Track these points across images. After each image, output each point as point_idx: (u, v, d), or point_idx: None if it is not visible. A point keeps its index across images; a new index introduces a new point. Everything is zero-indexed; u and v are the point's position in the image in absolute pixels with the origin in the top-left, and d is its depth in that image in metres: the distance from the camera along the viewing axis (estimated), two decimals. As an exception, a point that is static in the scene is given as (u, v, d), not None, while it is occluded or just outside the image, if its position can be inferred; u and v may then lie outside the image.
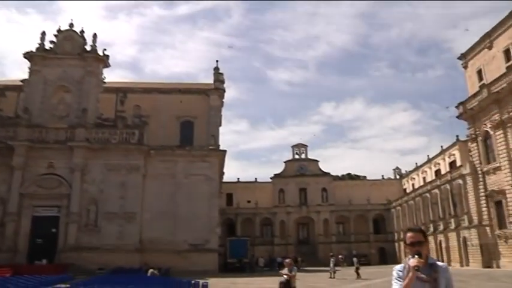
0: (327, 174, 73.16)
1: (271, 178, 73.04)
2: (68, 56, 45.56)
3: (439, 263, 3.46)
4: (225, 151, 48.95)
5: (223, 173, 58.16)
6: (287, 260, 13.04)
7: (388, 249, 64.72)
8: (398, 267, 3.50)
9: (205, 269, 39.38)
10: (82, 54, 45.73)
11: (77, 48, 46.02)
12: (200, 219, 43.60)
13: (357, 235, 68.22)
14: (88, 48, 46.36)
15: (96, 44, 46.57)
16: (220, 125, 53.50)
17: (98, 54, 46.18)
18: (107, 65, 47.42)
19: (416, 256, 3.33)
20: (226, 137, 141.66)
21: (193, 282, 18.76)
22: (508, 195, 35.89)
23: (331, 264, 32.76)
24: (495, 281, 23.27)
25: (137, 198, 42.24)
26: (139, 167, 43.13)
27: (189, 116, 50.90)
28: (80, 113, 43.91)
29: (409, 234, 3.51)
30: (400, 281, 3.35)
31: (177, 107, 50.35)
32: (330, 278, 31.43)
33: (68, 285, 17.38)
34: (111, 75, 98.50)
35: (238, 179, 74.71)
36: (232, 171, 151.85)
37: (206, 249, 43.09)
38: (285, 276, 12.24)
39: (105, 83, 47.55)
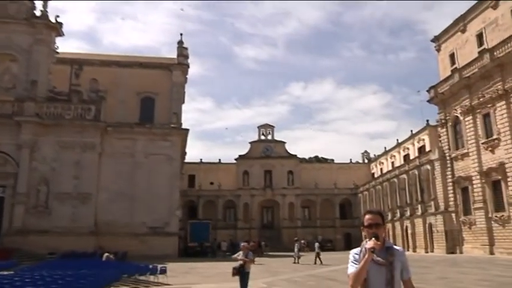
0: (294, 156, 73.98)
1: (235, 159, 73.21)
2: (13, 20, 43.22)
3: (396, 247, 3.55)
4: (187, 130, 48.46)
5: (185, 153, 57.71)
6: (243, 244, 12.92)
7: (354, 235, 66.66)
8: (355, 250, 3.57)
9: (165, 254, 39.26)
10: (30, 19, 43.38)
11: (23, 12, 43.69)
12: (160, 201, 43.23)
13: (323, 220, 69.74)
14: (38, 13, 44.20)
15: (48, 10, 44.41)
16: (183, 103, 52.73)
17: (50, 20, 44.02)
18: (60, 34, 45.40)
19: (373, 238, 3.39)
20: (189, 115, 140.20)
21: (151, 266, 18.65)
22: (474, 182, 37.49)
23: (296, 250, 33.35)
24: (457, 267, 24.44)
25: (93, 178, 41.30)
26: (95, 145, 42.06)
27: (150, 92, 49.86)
28: (28, 85, 41.96)
29: (367, 216, 3.57)
30: (356, 264, 3.41)
31: (138, 82, 49.16)
32: (294, 263, 32.03)
33: (11, 272, 16.72)
34: (65, 46, 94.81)
35: (201, 159, 74.57)
36: (195, 152, 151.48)
37: (166, 233, 42.90)
38: (240, 261, 12.12)
39: (58, 53, 45.56)
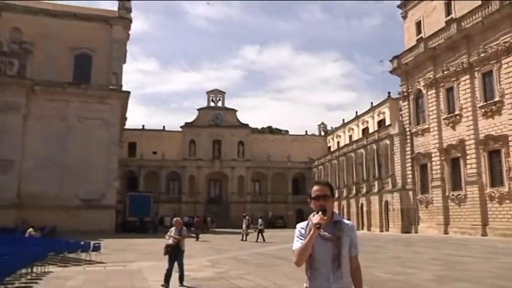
0: (245, 126, 74.19)
1: (181, 127, 72.47)
2: None
3: (345, 221, 3.57)
4: (128, 93, 47.26)
5: (125, 119, 56.49)
6: (176, 219, 12.33)
7: (307, 211, 68.31)
8: (301, 224, 3.57)
9: (100, 229, 38.74)
10: None
11: None
12: (95, 171, 42.29)
13: (274, 195, 70.95)
14: None
15: None
16: (124, 62, 51.22)
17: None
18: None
19: (320, 212, 3.39)
20: (130, 76, 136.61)
21: (82, 243, 18.23)
22: (433, 159, 39.18)
23: (244, 226, 33.79)
24: (411, 246, 25.69)
25: (16, 143, 39.62)
26: (20, 106, 40.20)
27: (85, 48, 47.91)
28: None
29: (314, 188, 3.58)
30: (301, 239, 3.42)
31: (71, 36, 47.00)
32: (242, 240, 32.50)
33: None
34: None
35: (143, 126, 73.20)
36: (137, 118, 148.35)
37: (101, 206, 42.22)
38: (172, 239, 11.61)
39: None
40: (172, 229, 11.87)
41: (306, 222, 3.57)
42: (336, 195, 57.45)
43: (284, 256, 18.68)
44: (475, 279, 11.81)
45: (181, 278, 11.48)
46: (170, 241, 11.57)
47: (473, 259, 17.55)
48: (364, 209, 50.63)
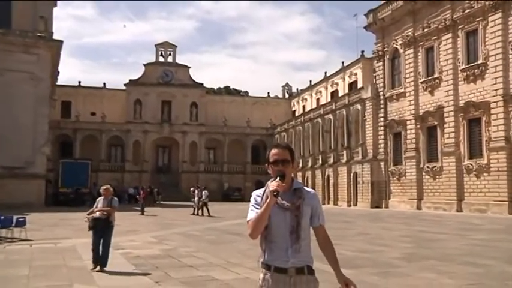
0: (199, 85, 73.64)
1: (125, 85, 71.20)
2: None
3: (307, 189, 3.63)
4: (60, 42, 45.82)
5: (57, 73, 54.86)
6: (104, 187, 11.37)
7: (266, 182, 69.23)
8: (257, 192, 3.61)
9: (27, 201, 38.06)
10: None
11: None
12: (21, 133, 41.19)
13: (231, 164, 71.35)
14: None
15: None
16: (54, 5, 49.35)
17: None
18: None
19: (277, 178, 3.43)
20: (63, 23, 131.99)
21: (2, 217, 17.54)
22: (408, 127, 40.25)
23: (196, 199, 33.97)
24: (381, 222, 26.59)
25: None
26: None
27: (6, -15, 45.78)
28: None
29: (273, 151, 3.60)
30: (257, 208, 3.47)
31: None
32: (193, 214, 32.72)
33: None
34: None
35: (79, 83, 71.37)
36: (71, 73, 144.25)
37: (28, 175, 41.33)
38: (98, 212, 10.88)
39: None
40: (100, 199, 11.14)
41: (263, 189, 3.62)
42: (300, 165, 58.31)
43: (240, 232, 18.98)
44: (445, 257, 12.41)
45: (103, 261, 10.70)
46: (97, 214, 10.85)
47: (445, 236, 18.37)
48: (331, 181, 51.70)
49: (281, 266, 3.44)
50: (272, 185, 3.39)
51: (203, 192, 33.57)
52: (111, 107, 69.15)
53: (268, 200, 3.35)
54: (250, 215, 3.49)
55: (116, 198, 11.22)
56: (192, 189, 57.92)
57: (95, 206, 11.14)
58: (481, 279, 9.49)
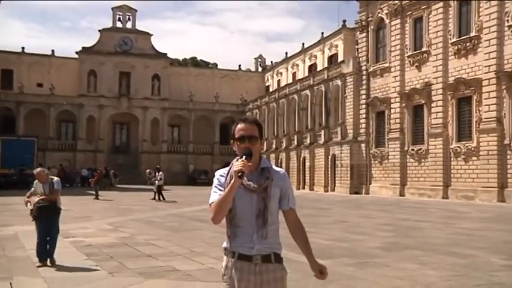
0: (162, 55, 73.04)
1: (77, 53, 70.11)
2: None
3: (276, 168, 3.64)
4: None
5: None
6: (38, 170, 10.51)
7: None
8: (221, 171, 3.63)
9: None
10: None
11: None
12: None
13: (198, 144, 71.22)
14: None
15: None
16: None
17: None
18: None
19: (244, 157, 3.42)
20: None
21: None
22: (392, 106, 40.66)
23: (157, 182, 33.77)
24: (360, 209, 26.92)
25: None
26: None
27: None
28: None
29: (239, 126, 3.60)
30: (220, 189, 3.48)
31: None
32: (154, 199, 32.62)
33: None
34: None
35: (23, 49, 69.78)
36: (13, 37, 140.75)
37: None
38: (37, 197, 10.24)
39: None
40: (35, 184, 10.41)
41: (227, 168, 3.62)
42: (274, 146, 58.56)
43: (205, 218, 18.95)
44: (428, 247, 12.68)
45: (51, 251, 10.15)
46: (36, 199, 10.16)
47: (429, 224, 18.74)
48: (307, 163, 52.04)
49: (245, 253, 3.47)
50: (237, 164, 3.39)
51: (159, 174, 33.19)
52: (61, 78, 68.03)
53: (232, 181, 3.35)
54: (212, 197, 3.50)
55: (56, 179, 10.47)
56: (148, 171, 57.81)
57: (32, 191, 10.47)
58: (466, 270, 9.73)
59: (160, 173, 33.48)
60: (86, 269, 9.83)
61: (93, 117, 67.88)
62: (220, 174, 3.61)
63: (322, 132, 49.77)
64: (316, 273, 3.61)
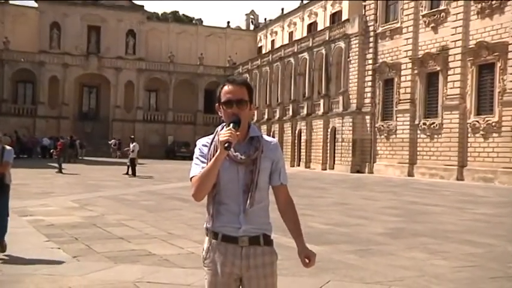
0: (138, 8, 72.47)
1: (37, 1, 69.24)
2: None
3: (266, 138, 3.64)
4: None
5: None
6: None
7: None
8: (204, 140, 3.62)
9: None
10: None
11: None
12: None
13: (178, 112, 71.05)
14: None
15: None
16: None
17: None
18: None
19: (231, 125, 3.40)
20: None
21: None
22: (403, 72, 40.58)
23: (130, 154, 33.61)
24: (363, 190, 27.01)
25: None
26: None
27: None
28: None
29: (226, 88, 3.55)
30: (203, 161, 3.48)
31: None
32: (126, 174, 32.60)
33: None
34: None
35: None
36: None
37: None
38: None
39: None
40: None
41: (211, 136, 3.59)
42: (266, 116, 58.57)
43: (186, 197, 19.02)
44: (439, 234, 12.77)
45: (2, 233, 9.53)
46: None
47: (441, 209, 18.85)
48: (303, 137, 52.06)
49: (230, 234, 3.47)
50: (223, 133, 3.35)
51: (132, 145, 32.84)
52: (18, 31, 67.27)
53: (217, 153, 3.33)
54: (194, 171, 3.48)
55: (8, 148, 9.75)
56: (112, 141, 57.66)
57: None
58: (481, 260, 9.81)
59: (134, 144, 33.19)
60: (47, 252, 9.83)
61: (56, 78, 67.29)
62: (202, 143, 3.59)
63: (322, 101, 49.68)
64: (301, 259, 3.61)
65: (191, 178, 3.46)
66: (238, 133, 3.37)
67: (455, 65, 36.11)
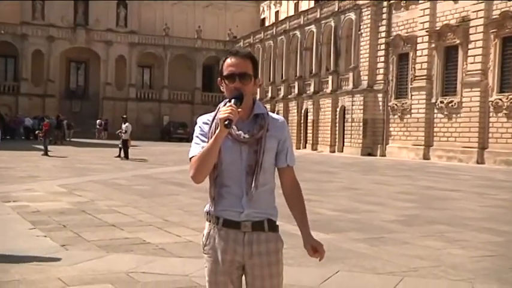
0: (132, -24, 72.06)
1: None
2: None
3: (273, 115, 3.63)
4: None
5: None
6: None
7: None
8: (205, 117, 3.62)
9: None
10: None
11: None
12: None
13: (175, 90, 71.01)
14: None
15: None
16: None
17: None
18: None
19: (232, 101, 3.38)
20: None
21: None
22: (419, 46, 40.43)
23: (122, 136, 33.50)
24: (374, 174, 27.01)
25: None
26: None
27: None
28: None
29: (229, 61, 3.53)
30: (203, 140, 3.48)
31: None
32: (119, 157, 32.63)
33: None
34: None
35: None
36: None
37: None
38: None
39: None
40: None
41: (213, 114, 3.59)
42: (269, 94, 58.51)
43: (183, 181, 19.08)
44: (457, 221, 12.80)
45: None
46: None
47: (459, 194, 18.88)
48: (310, 117, 52.04)
49: (232, 219, 3.47)
50: (224, 110, 3.32)
51: (124, 126, 32.72)
52: None
53: (218, 131, 3.31)
54: (193, 150, 3.47)
55: None
56: (98, 121, 57.68)
57: None
58: (502, 250, 9.85)
59: (127, 124, 33.13)
60: (33, 240, 9.84)
61: (40, 53, 67.11)
62: (203, 121, 3.58)
63: (330, 78, 49.61)
64: (307, 250, 3.62)
65: (190, 158, 3.45)
66: (240, 110, 3.34)
67: (477, 37, 35.94)
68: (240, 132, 3.43)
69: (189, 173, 3.44)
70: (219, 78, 3.60)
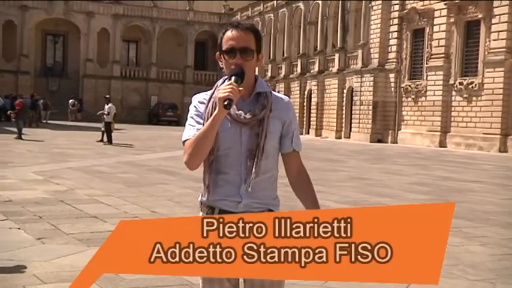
0: None
1: None
2: None
3: (277, 94, 3.62)
4: None
5: None
6: None
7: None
8: (201, 96, 3.59)
9: None
10: None
11: None
12: None
13: (164, 68, 70.94)
14: None
15: None
16: None
17: None
18: None
19: (232, 78, 3.33)
20: None
21: None
22: (436, 21, 40.32)
23: (105, 118, 33.47)
24: (385, 162, 26.99)
25: None
26: None
27: None
28: None
29: (229, 34, 3.48)
30: (199, 122, 3.45)
31: None
32: (101, 141, 32.62)
33: None
34: None
35: None
36: None
37: None
38: None
39: None
40: None
41: (209, 92, 3.56)
42: (269, 74, 58.45)
43: (173, 169, 19.13)
44: (477, 216, 12.83)
45: None
46: None
47: (479, 186, 18.89)
48: (314, 99, 52.04)
49: (229, 210, 3.44)
50: (223, 88, 3.27)
51: (106, 107, 32.58)
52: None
53: (216, 112, 3.26)
54: (188, 133, 3.44)
55: None
56: (71, 101, 57.63)
57: None
58: (526, 247, 9.88)
59: (110, 105, 33.00)
60: (4, 233, 9.84)
61: (12, 24, 66.77)
62: (199, 100, 3.55)
63: (337, 56, 49.56)
64: None
65: (184, 142, 3.41)
66: (241, 88, 3.29)
67: (502, 11, 35.79)
68: (240, 112, 3.40)
69: (182, 158, 3.40)
70: (217, 53, 3.55)
